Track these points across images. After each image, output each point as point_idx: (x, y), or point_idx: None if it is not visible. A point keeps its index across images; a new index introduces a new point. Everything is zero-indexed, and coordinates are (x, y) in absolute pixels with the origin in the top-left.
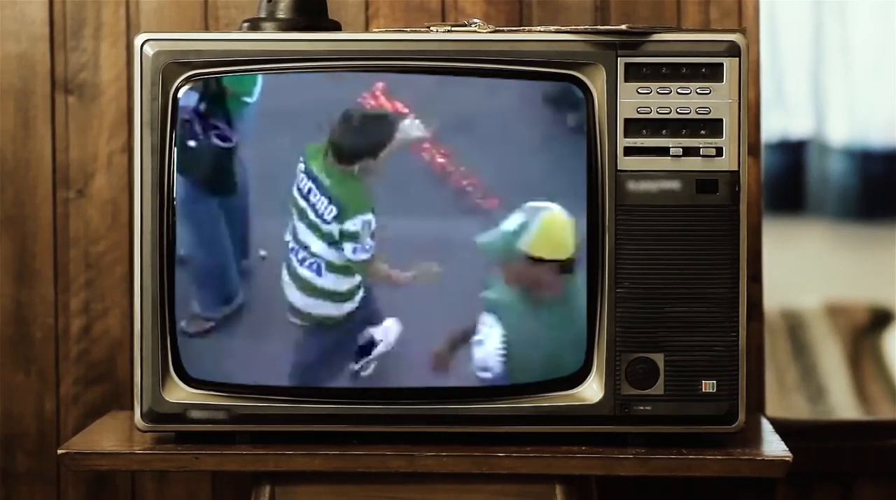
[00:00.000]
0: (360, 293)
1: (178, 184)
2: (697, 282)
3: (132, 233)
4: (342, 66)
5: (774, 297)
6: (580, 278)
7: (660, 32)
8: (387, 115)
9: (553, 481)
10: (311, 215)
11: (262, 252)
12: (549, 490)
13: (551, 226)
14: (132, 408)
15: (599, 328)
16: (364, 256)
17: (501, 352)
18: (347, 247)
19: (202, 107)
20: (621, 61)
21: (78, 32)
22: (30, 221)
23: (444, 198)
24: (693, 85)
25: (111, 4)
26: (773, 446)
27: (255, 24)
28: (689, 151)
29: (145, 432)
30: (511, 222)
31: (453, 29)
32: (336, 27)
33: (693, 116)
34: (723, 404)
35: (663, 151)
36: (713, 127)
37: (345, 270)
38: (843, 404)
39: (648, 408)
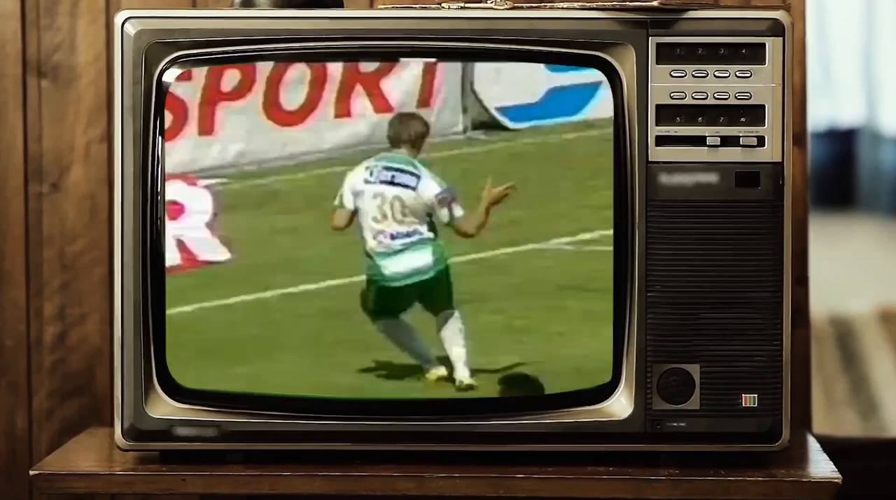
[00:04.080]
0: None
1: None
2: (736, 285)
3: (112, 231)
4: (345, 47)
5: (822, 302)
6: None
7: (696, 9)
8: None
9: None
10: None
11: None
12: None
13: None
14: (112, 424)
15: (628, 336)
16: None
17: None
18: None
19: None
20: (653, 41)
21: (52, 9)
22: None
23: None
24: (732, 67)
25: None
26: (821, 466)
27: (248, 1)
28: (727, 141)
29: (127, 450)
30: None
31: (467, 5)
32: (338, 3)
33: (732, 101)
34: (765, 419)
35: (699, 141)
36: (754, 114)
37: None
38: None
39: (682, 424)
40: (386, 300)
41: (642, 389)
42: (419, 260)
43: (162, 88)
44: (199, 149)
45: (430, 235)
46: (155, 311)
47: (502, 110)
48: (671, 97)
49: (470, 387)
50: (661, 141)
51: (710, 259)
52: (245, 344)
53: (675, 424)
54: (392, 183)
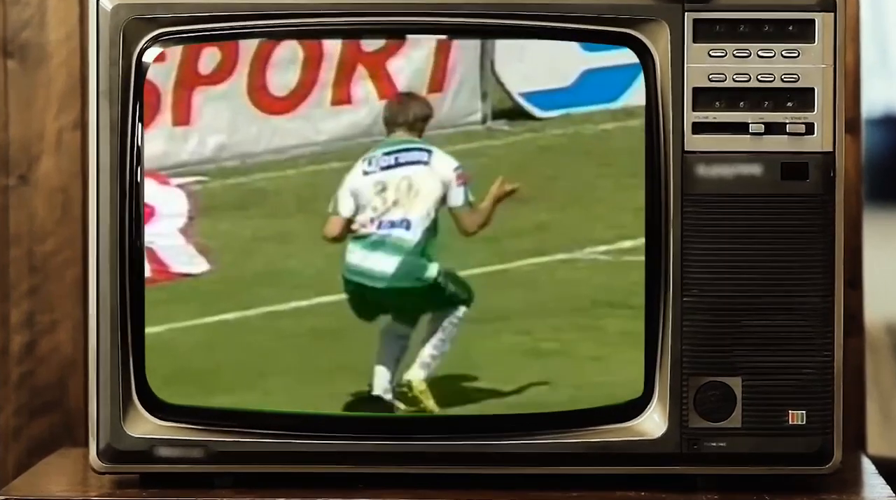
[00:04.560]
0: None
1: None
2: (782, 289)
3: (86, 229)
4: (344, 23)
5: (878, 307)
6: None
7: None
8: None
9: None
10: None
11: None
12: None
13: None
14: (87, 444)
15: (662, 346)
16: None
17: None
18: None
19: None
20: (689, 17)
21: None
22: None
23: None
24: (778, 46)
25: None
26: (876, 491)
27: None
28: (772, 128)
29: (103, 473)
30: None
31: None
32: None
33: (778, 84)
34: (814, 439)
35: (741, 128)
36: (802, 98)
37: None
38: None
39: (722, 444)
40: (353, 297)
41: (677, 404)
42: (377, 262)
43: (142, 70)
44: (173, 142)
45: (418, 233)
46: (134, 318)
47: (528, 96)
48: (709, 79)
49: (408, 386)
50: (699, 128)
51: (753, 260)
52: (225, 371)
53: (714, 444)
54: (397, 165)
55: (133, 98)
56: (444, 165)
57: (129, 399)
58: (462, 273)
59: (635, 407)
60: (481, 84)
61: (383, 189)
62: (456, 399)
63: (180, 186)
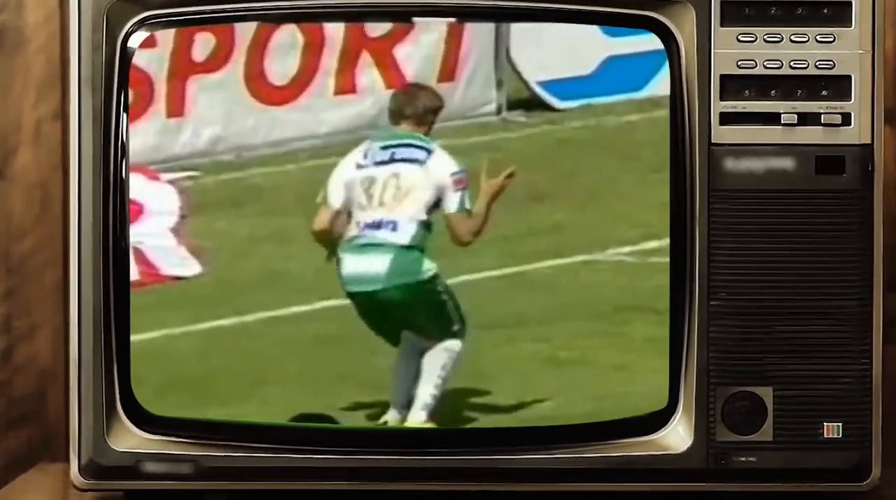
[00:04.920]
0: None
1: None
2: (817, 292)
3: (67, 227)
4: (346, 4)
5: None
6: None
7: None
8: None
9: None
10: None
11: None
12: None
13: None
14: (67, 459)
15: (687, 353)
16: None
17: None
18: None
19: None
20: None
21: None
22: None
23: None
24: (812, 30)
25: None
26: None
27: None
28: (806, 119)
29: (85, 490)
30: None
31: None
32: None
33: (812, 71)
34: (850, 453)
35: (772, 119)
36: (838, 86)
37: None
38: None
39: (752, 459)
40: (362, 311)
41: (704, 416)
42: (369, 264)
43: (127, 56)
44: (164, 134)
45: (406, 235)
46: (119, 323)
47: (546, 85)
48: (738, 66)
49: (421, 431)
50: (727, 119)
51: (785, 261)
52: (219, 380)
53: (744, 459)
54: (392, 161)
55: (118, 86)
56: (441, 167)
57: (113, 411)
58: (474, 276)
59: (658, 419)
60: (496, 72)
61: (371, 185)
62: (467, 412)
63: (171, 181)
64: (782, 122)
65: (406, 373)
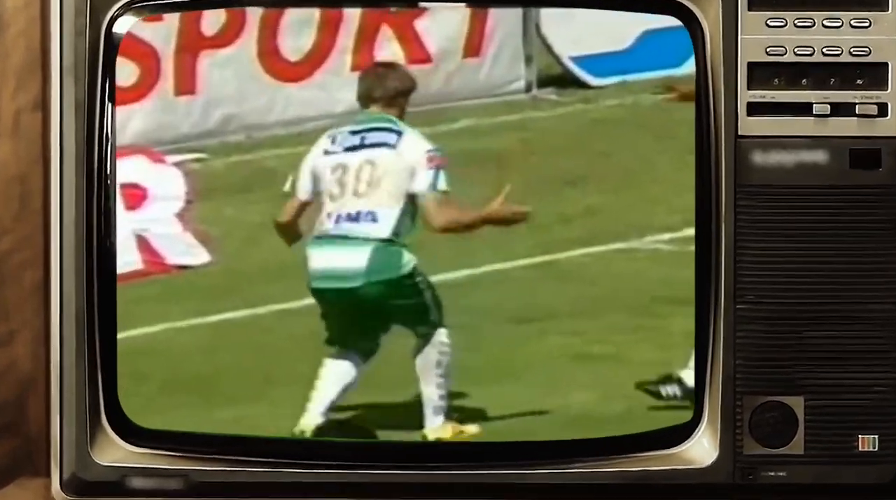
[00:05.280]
0: None
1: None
2: (851, 295)
3: (48, 224)
4: None
5: None
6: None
7: None
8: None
9: None
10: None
11: None
12: None
13: None
14: (48, 473)
15: (713, 360)
16: None
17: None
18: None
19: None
20: None
21: None
22: None
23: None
24: (846, 14)
25: None
26: None
27: None
28: (839, 109)
29: None
30: None
31: None
32: None
33: (846, 58)
34: (887, 467)
35: (803, 109)
36: (874, 74)
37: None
38: None
39: (782, 474)
40: (328, 310)
41: (730, 428)
42: (347, 259)
43: (112, 42)
44: (171, 113)
45: (388, 226)
46: (104, 328)
47: (579, 61)
48: (767, 53)
49: (439, 441)
50: (755, 109)
51: (817, 261)
52: (226, 378)
53: (773, 473)
54: (362, 146)
55: (102, 74)
56: (413, 148)
57: (97, 422)
58: (501, 266)
59: (681, 431)
60: (525, 47)
61: (343, 173)
62: (493, 412)
63: (177, 164)
64: (814, 112)
65: (340, 379)
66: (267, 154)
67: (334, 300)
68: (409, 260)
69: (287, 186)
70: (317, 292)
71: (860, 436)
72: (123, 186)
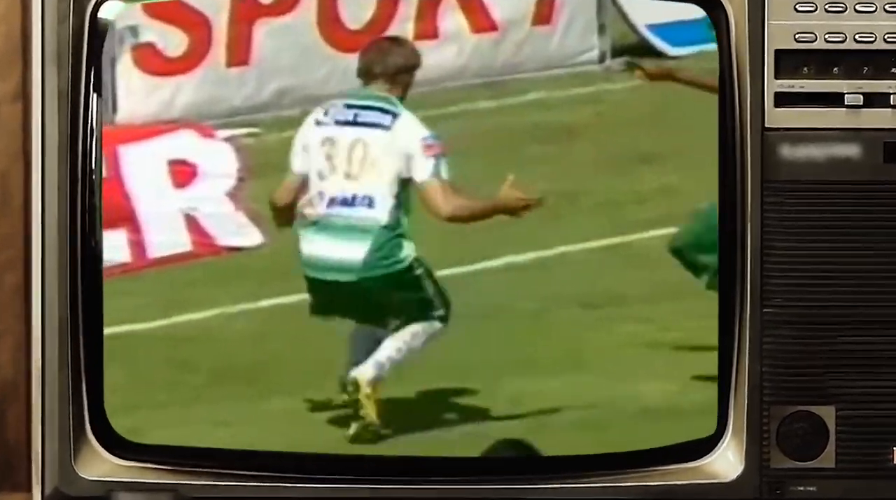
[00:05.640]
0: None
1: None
2: (885, 298)
3: (29, 223)
4: None
5: None
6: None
7: None
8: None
9: None
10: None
11: None
12: None
13: None
14: (29, 488)
15: (738, 368)
16: None
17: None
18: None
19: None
20: None
21: None
22: None
23: None
24: None
25: None
26: None
27: None
28: (873, 100)
29: None
30: None
31: None
32: None
33: (880, 45)
34: None
35: (834, 100)
36: None
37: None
38: None
39: (812, 489)
40: (320, 303)
41: (756, 440)
42: (344, 249)
43: (97, 28)
44: (222, 86)
45: (385, 211)
46: (89, 333)
47: (657, 29)
48: (796, 40)
49: (354, 404)
50: (782, 100)
51: (849, 262)
52: (279, 366)
53: (802, 488)
54: (354, 123)
55: (87, 63)
56: (408, 133)
57: (81, 433)
58: (570, 248)
59: (705, 443)
60: (599, 15)
61: (332, 149)
62: (558, 402)
63: (228, 139)
64: (846, 103)
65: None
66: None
67: (326, 293)
68: (408, 252)
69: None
70: (312, 284)
71: (895, 448)
72: (171, 162)
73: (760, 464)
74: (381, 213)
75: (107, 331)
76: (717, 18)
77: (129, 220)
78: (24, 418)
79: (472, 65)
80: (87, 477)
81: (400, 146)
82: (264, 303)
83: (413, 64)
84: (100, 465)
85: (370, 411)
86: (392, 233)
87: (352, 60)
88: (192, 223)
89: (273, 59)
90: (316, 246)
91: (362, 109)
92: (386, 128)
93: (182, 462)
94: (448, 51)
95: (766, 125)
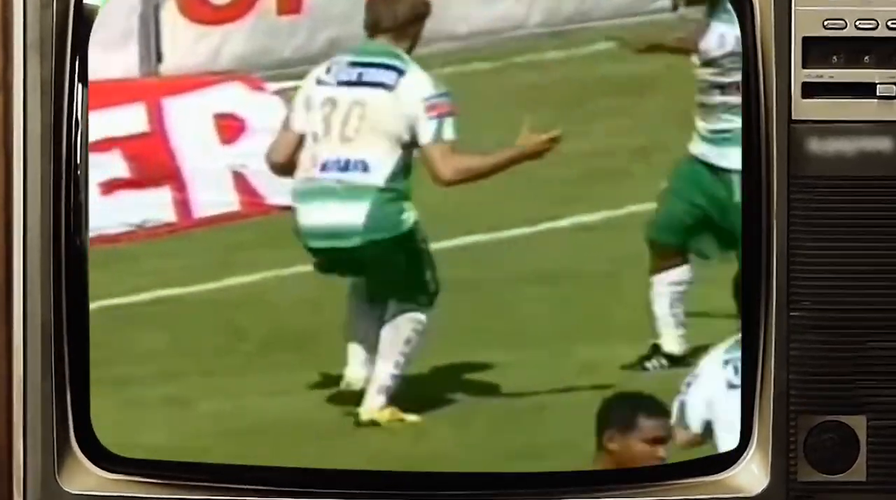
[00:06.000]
0: None
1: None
2: None
3: (10, 221)
4: None
5: None
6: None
7: None
8: None
9: None
10: None
11: None
12: None
13: None
14: None
15: (763, 375)
16: None
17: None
18: None
19: None
20: None
21: None
22: None
23: None
24: None
25: None
26: None
27: None
28: None
29: None
30: None
31: None
32: None
33: None
34: None
35: (866, 90)
36: None
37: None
38: None
39: None
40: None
41: (783, 452)
42: (343, 214)
43: (83, 14)
44: (272, 36)
45: (381, 176)
46: (74, 339)
47: None
48: (825, 27)
49: (373, 423)
50: (810, 90)
51: (881, 263)
52: (331, 334)
53: None
54: (358, 83)
55: (72, 50)
56: (413, 92)
57: (65, 445)
58: (635, 207)
59: (728, 456)
60: None
61: (331, 111)
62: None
63: (278, 92)
64: (878, 94)
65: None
66: None
67: (334, 263)
68: (409, 215)
69: (282, 120)
70: (316, 254)
71: None
72: (218, 116)
73: (787, 477)
74: (377, 177)
75: (149, 295)
76: (741, 4)
77: (173, 177)
78: (4, 428)
79: (533, 16)
80: (71, 491)
81: (402, 108)
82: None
83: (422, 13)
84: (85, 479)
85: (407, 421)
86: (389, 197)
87: None
88: (239, 181)
89: (325, 8)
90: (314, 213)
91: (367, 67)
92: (389, 88)
93: (173, 475)
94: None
95: (793, 117)
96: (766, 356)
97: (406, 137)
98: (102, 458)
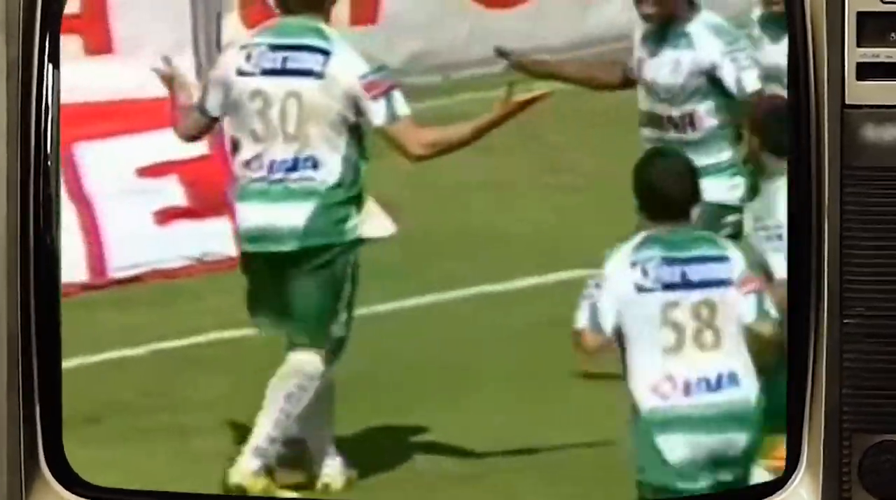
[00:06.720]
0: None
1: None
2: None
3: None
4: None
5: None
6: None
7: None
8: None
9: None
10: None
11: None
12: None
13: None
14: None
15: (812, 390)
16: None
17: None
18: None
19: None
20: None
21: None
22: None
23: None
24: None
25: None
26: None
27: None
28: None
29: None
30: None
31: None
32: None
33: None
34: None
35: None
36: None
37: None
38: None
39: None
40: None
41: (835, 475)
42: (283, 215)
43: None
44: None
45: (332, 171)
46: (44, 350)
47: None
48: (883, 0)
49: (239, 488)
50: (866, 71)
51: None
52: (406, 379)
53: None
54: (283, 71)
55: (41, 29)
56: (346, 71)
57: (34, 467)
58: None
59: (774, 479)
60: None
61: (265, 106)
62: None
63: None
64: None
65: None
66: (465, 97)
67: (263, 269)
68: (354, 224)
69: (194, 98)
70: (246, 258)
71: None
72: None
73: None
74: (329, 172)
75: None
76: None
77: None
78: None
79: (637, 22)
80: None
81: (338, 90)
82: (389, 307)
83: None
84: None
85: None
86: (338, 198)
87: (500, 17)
88: None
89: (405, 16)
90: (253, 215)
91: (290, 50)
92: (318, 75)
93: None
94: (613, 6)
95: (847, 102)
96: (815, 369)
97: (352, 118)
98: (75, 482)
